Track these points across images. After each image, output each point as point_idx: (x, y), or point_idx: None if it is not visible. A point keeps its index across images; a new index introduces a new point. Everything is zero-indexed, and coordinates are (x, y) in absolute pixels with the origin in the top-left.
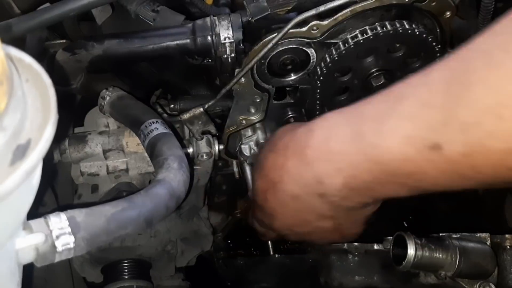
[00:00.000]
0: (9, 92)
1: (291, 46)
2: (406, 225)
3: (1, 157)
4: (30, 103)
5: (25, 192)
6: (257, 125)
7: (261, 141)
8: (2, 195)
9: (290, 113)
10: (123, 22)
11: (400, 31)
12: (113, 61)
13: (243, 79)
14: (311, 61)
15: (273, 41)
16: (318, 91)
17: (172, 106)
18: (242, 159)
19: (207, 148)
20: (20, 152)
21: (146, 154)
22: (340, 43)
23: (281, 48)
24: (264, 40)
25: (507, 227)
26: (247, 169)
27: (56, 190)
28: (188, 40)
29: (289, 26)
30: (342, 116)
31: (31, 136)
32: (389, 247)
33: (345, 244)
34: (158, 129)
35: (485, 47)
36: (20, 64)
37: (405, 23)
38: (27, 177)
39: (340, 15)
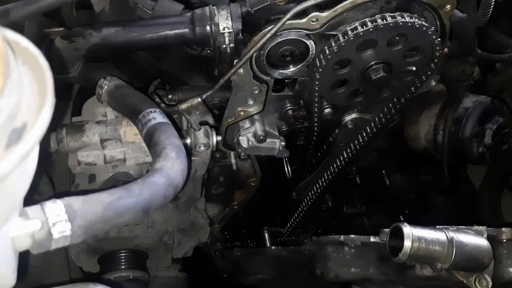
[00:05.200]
0: (5, 73)
1: (290, 38)
2: (402, 219)
3: None
4: (27, 86)
5: (20, 177)
6: (255, 117)
7: (259, 133)
8: None
9: (288, 105)
10: (121, 10)
11: (400, 23)
12: (111, 50)
13: (241, 70)
14: (310, 53)
15: (272, 31)
16: (317, 83)
17: (170, 96)
18: (239, 150)
19: (205, 139)
20: (16, 135)
21: (143, 144)
22: (340, 35)
23: (280, 39)
24: (263, 31)
25: (503, 221)
26: None
27: (53, 180)
28: (186, 30)
29: (288, 16)
30: None
31: (27, 119)
32: (385, 239)
33: (342, 236)
34: (156, 118)
35: None
36: (17, 47)
37: (405, 15)
38: (23, 161)
39: (340, 6)
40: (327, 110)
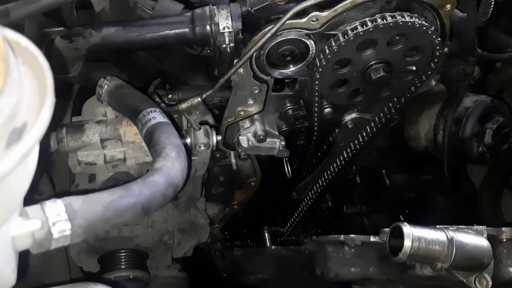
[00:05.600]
0: (5, 73)
1: (290, 37)
2: (402, 218)
3: None
4: (27, 86)
5: (20, 176)
6: (255, 116)
7: (259, 132)
8: None
9: (288, 104)
10: (121, 10)
11: (400, 23)
12: (111, 50)
13: (241, 70)
14: (310, 52)
15: (272, 31)
16: (317, 83)
17: (170, 96)
18: (239, 150)
19: (205, 139)
20: (16, 135)
21: (143, 144)
22: (340, 34)
23: (280, 39)
24: (263, 30)
25: (503, 221)
26: None
27: (54, 180)
28: (186, 29)
29: (288, 15)
30: None
31: (27, 119)
32: (385, 238)
33: (342, 236)
34: (156, 118)
35: None
36: (17, 46)
37: (405, 15)
38: (23, 160)
39: (340, 6)
40: (327, 110)
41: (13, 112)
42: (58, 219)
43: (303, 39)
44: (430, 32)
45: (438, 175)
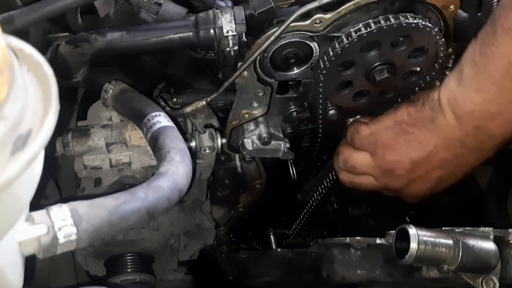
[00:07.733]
0: (10, 81)
1: (294, 40)
2: (408, 220)
3: (1, 147)
4: (31, 93)
5: (26, 183)
6: (260, 119)
7: (264, 135)
8: (2, 185)
9: (292, 107)
10: (125, 15)
11: (404, 24)
12: (116, 54)
13: (245, 73)
14: (314, 54)
15: (276, 34)
16: (321, 85)
17: (175, 99)
18: (244, 153)
19: (209, 142)
20: (21, 142)
21: (149, 148)
22: (343, 36)
23: (284, 42)
24: (267, 33)
25: (510, 222)
26: None
27: (59, 184)
28: (190, 33)
29: (292, 18)
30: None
31: (32, 126)
32: (391, 241)
33: (348, 238)
34: (161, 122)
35: None
36: (21, 54)
37: (409, 16)
38: (28, 167)
39: (343, 8)
40: (331, 112)
41: (18, 119)
42: (63, 224)
43: (307, 42)
44: (434, 33)
45: None
